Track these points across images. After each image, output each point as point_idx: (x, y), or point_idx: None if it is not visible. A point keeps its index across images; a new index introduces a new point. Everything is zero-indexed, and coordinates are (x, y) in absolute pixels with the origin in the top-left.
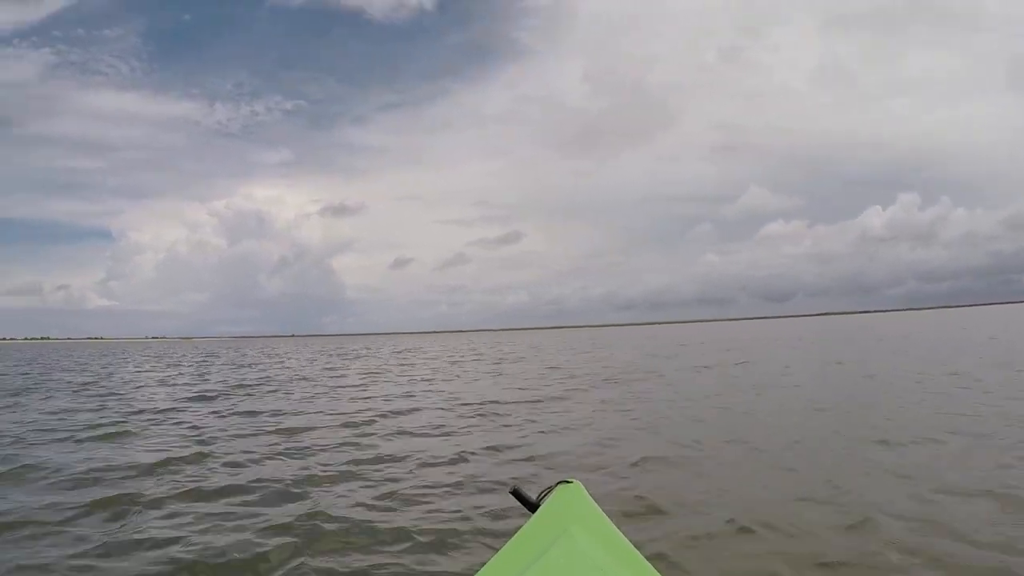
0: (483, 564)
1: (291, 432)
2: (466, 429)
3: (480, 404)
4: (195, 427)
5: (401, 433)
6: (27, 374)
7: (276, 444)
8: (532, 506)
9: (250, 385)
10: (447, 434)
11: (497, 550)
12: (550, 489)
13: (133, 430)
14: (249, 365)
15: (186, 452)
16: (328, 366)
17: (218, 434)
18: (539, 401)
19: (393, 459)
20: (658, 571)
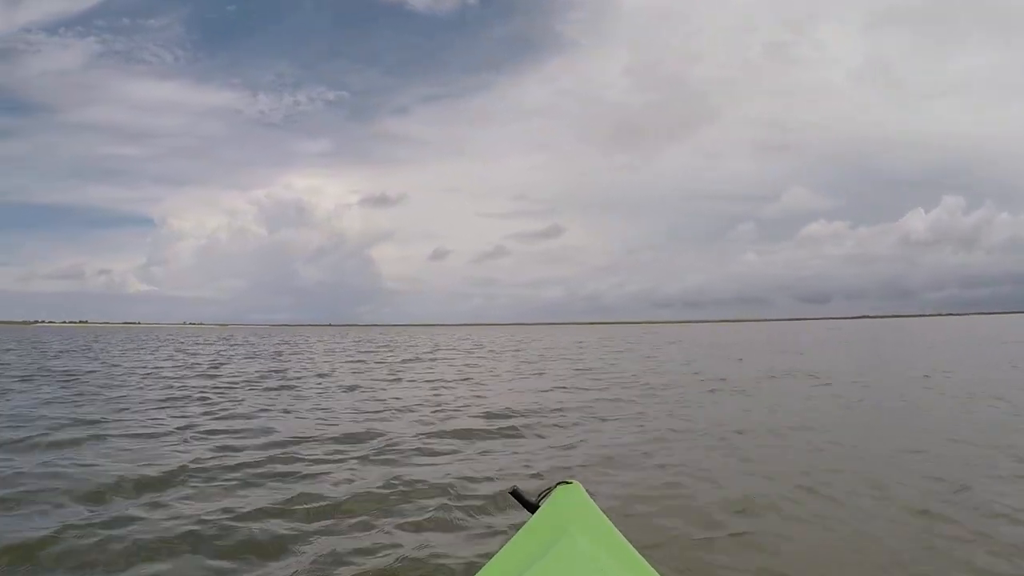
0: (483, 565)
1: (271, 461)
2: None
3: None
4: (149, 445)
5: (418, 490)
6: (36, 361)
7: (230, 491)
8: (532, 507)
9: (257, 381)
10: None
11: (497, 551)
12: (550, 490)
13: (61, 440)
14: (272, 355)
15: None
16: (355, 359)
17: (172, 454)
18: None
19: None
20: (658, 572)
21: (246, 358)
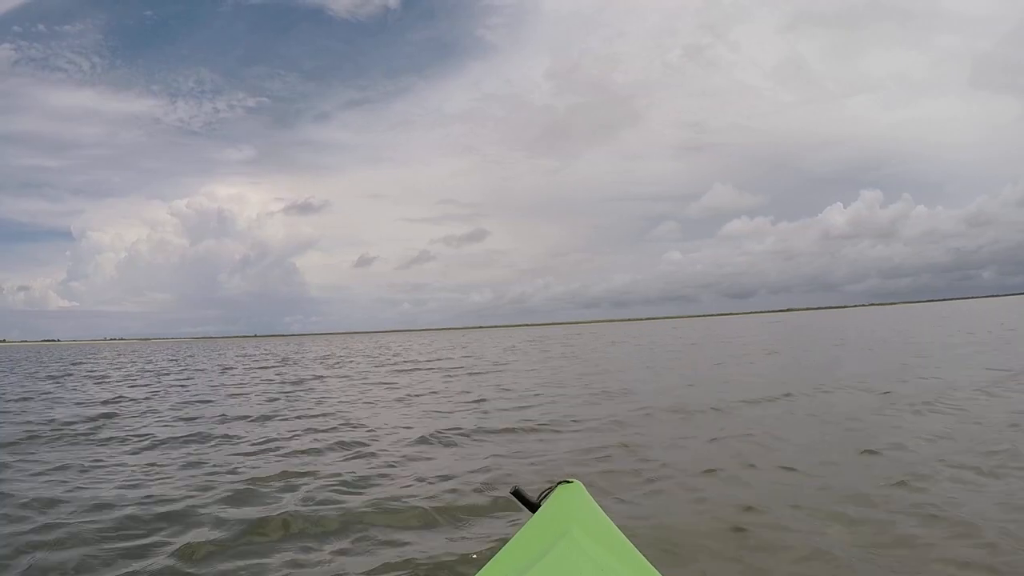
0: (483, 564)
1: None
2: None
3: None
4: None
5: None
6: None
7: None
8: (532, 506)
9: (92, 420)
10: None
11: (498, 550)
12: (551, 489)
13: None
14: (152, 374)
15: None
16: (239, 382)
17: None
18: None
19: None
20: (658, 571)
21: (124, 382)
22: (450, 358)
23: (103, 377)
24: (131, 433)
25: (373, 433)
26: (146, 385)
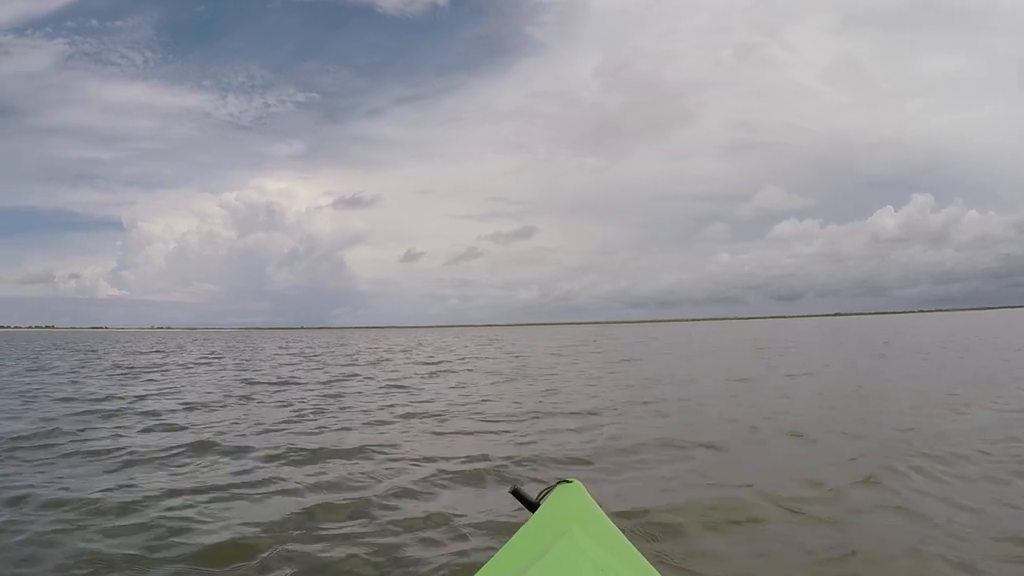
0: (483, 564)
1: None
2: None
3: None
4: None
5: None
6: None
7: None
8: (532, 506)
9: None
10: None
11: (497, 550)
12: (550, 489)
13: None
14: (170, 366)
15: None
16: (252, 377)
17: None
18: None
19: None
20: (658, 571)
21: (140, 376)
22: (496, 357)
23: (114, 366)
24: (83, 454)
25: (386, 504)
26: (151, 380)
